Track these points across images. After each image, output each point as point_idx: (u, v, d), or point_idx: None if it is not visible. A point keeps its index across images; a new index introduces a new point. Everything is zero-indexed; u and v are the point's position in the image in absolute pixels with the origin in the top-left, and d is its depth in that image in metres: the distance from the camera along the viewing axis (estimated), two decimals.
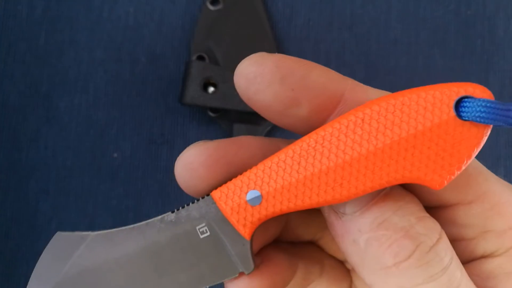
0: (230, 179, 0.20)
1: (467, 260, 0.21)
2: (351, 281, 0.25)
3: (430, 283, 0.18)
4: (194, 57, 0.41)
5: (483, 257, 0.21)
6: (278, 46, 0.42)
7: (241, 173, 0.20)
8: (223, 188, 0.20)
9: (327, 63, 0.42)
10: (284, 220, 0.23)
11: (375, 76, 0.42)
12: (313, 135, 0.18)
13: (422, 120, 0.17)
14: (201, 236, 0.20)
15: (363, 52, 0.42)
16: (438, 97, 0.17)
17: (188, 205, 0.20)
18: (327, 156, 0.18)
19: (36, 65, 0.41)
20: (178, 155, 0.43)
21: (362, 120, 0.18)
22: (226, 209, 0.19)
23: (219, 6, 0.41)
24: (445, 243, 0.19)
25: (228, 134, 0.41)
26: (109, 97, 0.41)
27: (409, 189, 0.20)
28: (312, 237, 0.25)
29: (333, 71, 0.20)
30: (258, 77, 0.19)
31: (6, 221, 0.40)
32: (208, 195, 0.20)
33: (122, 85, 0.41)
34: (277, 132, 0.42)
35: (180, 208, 0.20)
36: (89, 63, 0.41)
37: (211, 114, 0.41)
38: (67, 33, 0.42)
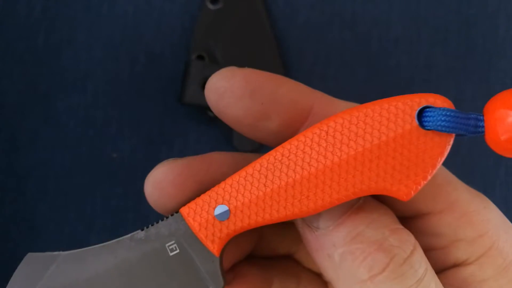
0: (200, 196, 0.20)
1: (440, 270, 0.21)
2: None
3: None
4: (193, 57, 0.40)
5: (455, 265, 0.21)
6: (278, 45, 0.41)
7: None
8: (192, 204, 0.20)
9: (327, 63, 0.42)
10: (257, 235, 0.23)
11: (376, 75, 0.42)
12: (279, 149, 0.19)
13: (386, 131, 0.18)
14: (171, 254, 0.20)
15: (363, 51, 0.42)
16: (401, 108, 0.18)
17: (157, 222, 0.20)
18: (293, 169, 0.18)
19: (34, 65, 0.41)
20: (177, 155, 0.43)
21: (326, 132, 0.18)
22: (195, 225, 0.19)
23: (219, 5, 0.41)
24: (419, 254, 0.19)
25: (228, 133, 0.41)
26: (108, 96, 0.41)
27: (382, 201, 0.20)
28: (287, 250, 0.25)
29: (303, 85, 0.20)
30: (228, 91, 0.19)
31: (4, 222, 0.40)
32: (177, 212, 0.20)
33: (121, 84, 0.41)
34: None
35: (150, 225, 0.20)
36: (88, 62, 0.41)
37: (210, 114, 0.40)
38: (66, 32, 0.41)
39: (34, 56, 0.41)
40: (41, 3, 0.42)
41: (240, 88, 0.19)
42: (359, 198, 0.19)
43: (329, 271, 0.19)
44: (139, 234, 0.20)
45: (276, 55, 0.41)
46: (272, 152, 0.19)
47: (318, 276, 0.25)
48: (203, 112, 0.41)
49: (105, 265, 0.20)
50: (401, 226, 0.19)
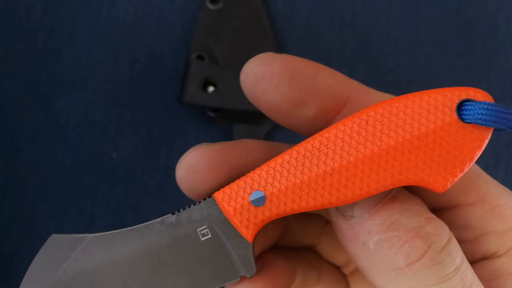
0: (232, 182, 0.20)
1: (469, 262, 0.21)
2: (347, 287, 0.25)
3: (443, 283, 0.18)
4: (193, 57, 0.40)
5: (485, 258, 0.21)
6: (278, 45, 0.41)
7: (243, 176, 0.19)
8: (226, 189, 0.19)
9: (327, 63, 0.41)
10: (283, 224, 0.23)
11: (376, 75, 0.42)
12: (317, 137, 0.19)
13: (425, 123, 0.18)
14: (202, 239, 0.20)
15: (364, 51, 0.42)
16: (441, 100, 0.18)
17: (189, 207, 0.20)
18: (332, 157, 0.18)
19: (34, 65, 0.41)
20: (177, 155, 0.43)
21: (366, 122, 0.18)
22: (229, 210, 0.19)
23: (219, 5, 0.41)
24: (455, 243, 0.19)
25: (228, 134, 0.41)
26: (108, 96, 0.41)
27: (412, 192, 0.20)
28: (309, 242, 0.25)
29: (340, 73, 0.20)
30: (267, 77, 0.19)
31: (4, 222, 0.40)
32: (210, 197, 0.20)
33: (121, 84, 0.41)
34: (277, 133, 0.41)
35: (181, 210, 0.20)
36: (88, 62, 0.41)
37: (210, 113, 0.40)
38: (66, 32, 0.41)
39: (34, 56, 0.41)
40: (41, 3, 0.42)
41: (279, 73, 0.19)
42: (392, 188, 0.19)
43: (363, 259, 0.19)
44: (169, 218, 0.20)
45: None
46: (310, 139, 0.19)
47: (337, 269, 0.25)
48: (203, 112, 0.41)
49: (133, 249, 0.20)
50: (434, 216, 0.19)
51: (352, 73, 0.41)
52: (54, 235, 0.21)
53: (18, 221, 0.40)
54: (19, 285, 0.41)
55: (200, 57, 0.40)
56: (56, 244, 0.21)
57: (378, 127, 0.18)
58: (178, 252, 0.20)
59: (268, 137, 0.41)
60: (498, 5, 0.43)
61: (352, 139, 0.18)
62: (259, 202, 0.19)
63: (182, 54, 0.41)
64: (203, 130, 0.41)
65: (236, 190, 0.19)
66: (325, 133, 0.18)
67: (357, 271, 0.25)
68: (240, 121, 0.40)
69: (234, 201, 0.19)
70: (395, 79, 0.41)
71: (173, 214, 0.20)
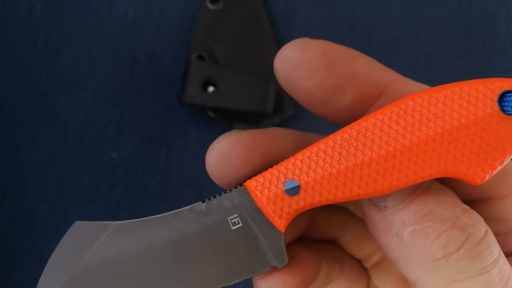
0: (263, 171, 0.19)
1: None
2: (368, 280, 0.25)
3: (482, 275, 0.17)
4: (193, 57, 0.40)
5: None
6: (278, 45, 0.41)
7: (274, 165, 0.19)
8: (259, 177, 0.19)
9: None
10: (309, 216, 0.23)
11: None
12: (354, 126, 0.18)
13: (465, 114, 0.17)
14: (233, 228, 0.19)
15: (364, 51, 0.42)
16: (482, 91, 0.17)
17: (219, 195, 0.20)
18: (369, 147, 0.18)
19: (34, 65, 0.41)
20: (177, 155, 0.43)
21: (405, 112, 0.18)
22: (262, 198, 0.19)
23: (219, 5, 0.41)
24: (492, 235, 0.18)
25: None
26: (108, 96, 0.41)
27: (443, 183, 0.20)
28: (333, 235, 0.24)
29: (377, 61, 0.20)
30: (303, 62, 0.19)
31: (4, 222, 0.40)
32: (241, 185, 0.19)
33: (121, 84, 0.41)
34: None
35: (211, 198, 0.20)
36: (88, 62, 0.41)
37: (210, 113, 0.40)
38: (66, 32, 0.41)
39: (34, 56, 0.41)
40: (41, 3, 0.42)
41: (316, 59, 0.19)
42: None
43: (396, 250, 0.19)
44: (199, 206, 0.20)
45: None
46: (346, 128, 0.18)
47: (359, 263, 0.25)
48: (203, 112, 0.41)
49: (160, 237, 0.19)
50: (469, 208, 0.19)
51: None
52: (77, 222, 0.20)
53: (18, 221, 0.40)
54: (19, 285, 0.41)
55: (200, 57, 0.40)
56: (80, 231, 0.20)
57: (417, 117, 0.18)
58: (207, 241, 0.19)
59: None
60: (498, 5, 0.43)
61: (391, 128, 0.18)
62: (294, 191, 0.18)
63: (182, 54, 0.41)
64: (203, 130, 0.41)
65: (269, 179, 0.19)
66: (362, 122, 0.18)
67: (378, 264, 0.25)
68: (240, 121, 0.40)
69: (267, 190, 0.19)
70: None
71: (203, 202, 0.20)
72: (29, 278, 0.40)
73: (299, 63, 0.19)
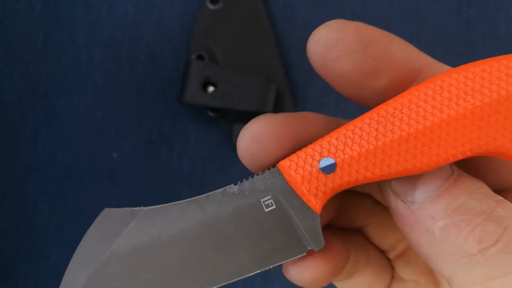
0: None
1: None
2: (393, 271, 0.24)
3: None
4: (193, 57, 0.40)
5: None
6: (278, 45, 0.41)
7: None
8: (293, 157, 0.19)
9: None
10: (338, 203, 0.22)
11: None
12: (390, 103, 0.18)
13: (505, 86, 0.17)
14: (266, 210, 0.19)
15: None
16: None
17: (252, 177, 0.19)
18: (407, 122, 0.17)
19: (34, 65, 0.41)
20: (177, 155, 0.43)
21: (441, 87, 0.17)
22: (296, 178, 0.18)
23: (219, 5, 0.41)
24: None
25: (228, 134, 0.41)
26: (108, 96, 0.41)
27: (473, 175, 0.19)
28: (359, 224, 0.24)
29: (412, 45, 0.19)
30: (340, 44, 0.18)
31: (4, 222, 0.40)
32: (274, 166, 0.19)
33: (121, 84, 0.41)
34: None
35: (244, 180, 0.19)
36: (88, 62, 0.41)
37: (210, 113, 0.40)
38: (66, 32, 0.41)
39: (34, 56, 0.41)
40: (41, 3, 0.42)
41: (353, 41, 0.18)
42: (453, 171, 0.18)
43: (427, 246, 0.18)
44: (232, 188, 0.19)
45: (276, 55, 0.41)
46: (383, 105, 0.18)
47: (383, 254, 0.24)
48: (203, 112, 0.41)
49: (192, 221, 0.19)
50: (503, 198, 0.18)
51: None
52: (106, 209, 0.20)
53: (18, 221, 0.40)
54: (19, 285, 0.41)
55: (200, 57, 0.40)
56: (109, 218, 0.20)
57: (453, 92, 0.17)
58: (241, 225, 0.19)
59: None
60: (498, 5, 0.42)
61: (427, 104, 0.17)
62: (330, 169, 0.18)
63: (182, 54, 0.41)
64: (203, 130, 0.41)
65: (304, 158, 0.18)
66: (398, 99, 0.18)
67: (403, 255, 0.24)
68: (240, 121, 0.40)
69: (302, 169, 0.18)
70: None
71: (235, 184, 0.19)
72: (29, 278, 0.40)
73: (335, 45, 0.18)
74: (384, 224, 0.24)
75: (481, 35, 0.42)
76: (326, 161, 0.18)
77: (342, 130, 0.18)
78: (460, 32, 0.42)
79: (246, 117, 0.40)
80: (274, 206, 0.19)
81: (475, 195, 0.18)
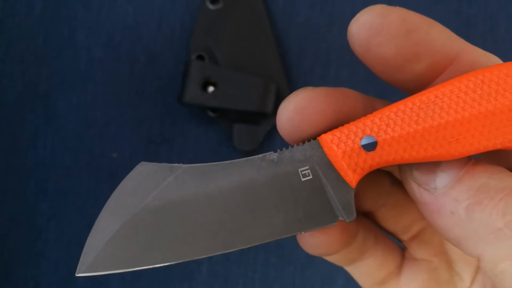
0: (334, 127, 0.19)
1: None
2: (403, 252, 0.25)
3: None
4: (193, 57, 0.40)
5: None
6: (278, 45, 0.41)
7: (344, 123, 0.19)
8: (336, 131, 0.19)
9: (327, 63, 0.42)
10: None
11: (376, 75, 0.42)
12: (433, 91, 0.19)
13: None
14: (303, 179, 0.20)
15: None
16: None
17: (292, 147, 0.20)
18: (446, 111, 0.18)
19: (34, 65, 0.41)
20: (177, 155, 0.43)
21: (482, 81, 0.18)
22: (337, 152, 0.19)
23: (219, 5, 0.41)
24: None
25: (228, 134, 0.41)
26: (108, 96, 0.41)
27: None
28: (370, 207, 0.25)
29: (449, 30, 0.20)
30: (384, 29, 0.19)
31: (4, 222, 0.40)
32: (314, 139, 0.20)
33: (121, 84, 0.41)
34: (277, 132, 0.41)
35: (284, 148, 0.20)
36: (87, 62, 0.41)
37: (210, 114, 0.40)
38: (66, 32, 0.41)
39: (34, 56, 0.41)
40: (41, 3, 0.42)
41: (397, 26, 0.19)
42: (470, 158, 0.19)
43: (455, 229, 0.18)
44: (271, 155, 0.20)
45: (276, 55, 0.41)
46: (425, 92, 0.19)
47: (390, 239, 0.25)
48: (203, 112, 0.41)
49: (229, 183, 0.19)
50: None
51: (352, 73, 0.41)
52: (142, 163, 0.20)
53: (18, 221, 0.40)
54: (19, 285, 0.41)
55: (200, 57, 0.40)
56: (146, 172, 0.20)
57: (493, 87, 0.18)
58: (277, 190, 0.19)
59: (268, 137, 0.41)
60: (498, 5, 0.43)
61: (467, 95, 0.18)
62: (371, 147, 0.19)
63: (182, 54, 0.41)
64: (203, 130, 0.41)
65: (346, 134, 0.19)
66: (440, 88, 0.19)
67: (417, 236, 0.25)
68: (240, 121, 0.40)
69: (344, 144, 0.19)
70: None
71: (275, 152, 0.20)
72: (29, 278, 0.40)
73: (380, 29, 0.19)
74: (401, 204, 0.24)
75: (481, 35, 0.42)
76: (368, 139, 0.19)
77: (385, 111, 0.19)
78: (460, 32, 0.42)
79: (246, 117, 0.40)
80: (310, 176, 0.20)
81: (495, 175, 0.18)
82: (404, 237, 0.25)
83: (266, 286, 0.40)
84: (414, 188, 0.20)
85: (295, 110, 0.19)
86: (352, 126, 0.19)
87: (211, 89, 0.39)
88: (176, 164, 0.20)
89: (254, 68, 0.41)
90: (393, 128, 0.19)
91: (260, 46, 0.41)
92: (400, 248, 0.25)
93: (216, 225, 0.19)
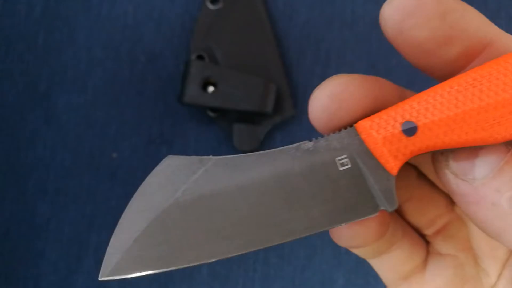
0: (371, 115, 0.19)
1: None
2: (428, 247, 0.25)
3: None
4: (193, 57, 0.40)
5: None
6: (278, 45, 0.41)
7: (379, 110, 0.19)
8: (374, 117, 0.19)
9: (327, 63, 0.42)
10: None
11: (376, 75, 0.42)
12: (470, 74, 0.18)
13: None
14: (341, 168, 0.19)
15: (364, 51, 0.42)
16: None
17: (327, 135, 0.19)
18: (487, 94, 0.18)
19: (34, 64, 0.41)
20: (177, 155, 0.43)
21: None
22: (378, 138, 0.18)
23: (219, 5, 0.41)
24: None
25: (228, 134, 0.41)
26: (108, 96, 0.41)
27: None
28: (401, 198, 0.24)
29: (483, 15, 0.19)
30: (419, 11, 0.18)
31: (4, 221, 0.40)
32: (351, 126, 0.19)
33: (121, 84, 0.41)
34: (277, 133, 0.41)
35: (318, 137, 0.19)
36: (88, 62, 0.41)
37: (210, 114, 0.40)
38: (66, 32, 0.41)
39: (34, 56, 0.41)
40: (41, 3, 0.42)
41: (432, 8, 0.18)
42: (509, 148, 0.19)
43: (496, 221, 0.18)
44: (306, 144, 0.19)
45: (276, 55, 0.41)
46: (462, 75, 0.18)
47: (415, 233, 0.25)
48: (203, 112, 0.41)
49: (263, 174, 0.18)
50: None
51: (352, 73, 0.41)
52: (170, 156, 0.19)
53: (18, 221, 0.40)
54: (19, 285, 0.41)
55: (200, 57, 0.40)
56: (173, 166, 0.19)
57: None
58: (314, 181, 0.18)
59: (268, 137, 0.41)
60: (498, 5, 0.42)
61: (507, 77, 0.18)
62: (411, 132, 0.18)
63: (182, 54, 0.41)
64: (203, 130, 0.41)
65: (385, 119, 0.18)
66: (478, 71, 0.18)
67: (442, 230, 0.25)
68: (240, 121, 0.40)
69: (384, 130, 0.18)
70: (395, 79, 0.41)
71: (309, 141, 0.19)
72: (29, 278, 0.40)
73: (414, 11, 0.18)
74: (427, 197, 0.24)
75: None
76: (408, 124, 0.18)
77: (423, 96, 0.18)
78: None
79: (246, 117, 0.40)
80: (349, 165, 0.19)
81: None
82: (429, 231, 0.25)
83: (266, 286, 0.40)
84: (451, 179, 0.19)
85: (331, 97, 0.18)
86: (390, 111, 0.18)
87: (211, 89, 0.39)
88: (206, 156, 0.19)
89: (254, 68, 0.41)
90: (433, 112, 0.18)
91: (260, 46, 0.41)
92: (424, 243, 0.25)
93: (251, 220, 0.18)
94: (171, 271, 0.18)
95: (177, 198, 0.18)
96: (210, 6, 0.41)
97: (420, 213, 0.24)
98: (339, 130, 0.19)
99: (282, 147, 0.19)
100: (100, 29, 0.41)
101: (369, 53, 0.42)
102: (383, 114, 0.19)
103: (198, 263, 0.18)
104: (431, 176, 0.24)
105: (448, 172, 0.19)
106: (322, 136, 0.19)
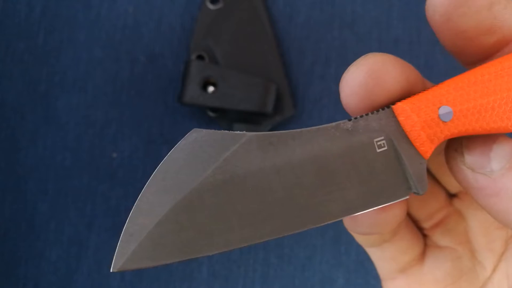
0: (403, 97, 0.19)
1: None
2: (425, 240, 0.25)
3: None
4: (193, 57, 0.40)
5: None
6: (278, 45, 0.41)
7: (411, 93, 0.19)
8: (413, 99, 0.18)
9: (327, 62, 0.42)
10: None
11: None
12: (503, 61, 0.18)
13: None
14: (378, 150, 0.18)
15: (364, 51, 0.42)
16: None
17: (366, 115, 0.19)
18: None
19: (34, 65, 0.41)
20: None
21: None
22: (415, 121, 0.18)
23: (219, 5, 0.41)
24: None
25: None
26: (108, 96, 0.41)
27: None
28: None
29: None
30: (470, 1, 0.18)
31: (4, 222, 0.40)
32: (388, 107, 0.18)
33: (121, 84, 0.41)
34: None
35: (358, 117, 0.18)
36: (87, 62, 0.41)
37: (210, 114, 0.40)
38: (66, 32, 0.41)
39: (34, 56, 0.41)
40: (41, 3, 0.42)
41: None
42: None
43: None
44: (346, 124, 0.18)
45: (276, 55, 0.41)
46: (494, 63, 0.18)
47: (413, 225, 0.25)
48: (203, 112, 0.41)
49: (300, 153, 0.18)
50: None
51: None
52: (196, 129, 0.18)
53: (18, 221, 0.40)
54: (19, 285, 0.41)
55: (200, 57, 0.40)
56: (201, 141, 0.17)
57: None
58: (351, 162, 0.18)
59: None
60: None
61: None
62: (447, 117, 0.18)
63: (182, 54, 0.41)
64: None
65: (424, 102, 0.18)
66: (510, 58, 0.18)
67: (441, 223, 0.25)
68: (240, 121, 0.40)
69: (423, 113, 0.18)
70: None
71: (349, 120, 0.18)
72: (29, 278, 0.40)
73: (465, 1, 0.18)
74: (428, 191, 0.24)
75: None
76: (445, 109, 0.18)
77: (457, 82, 0.18)
78: None
79: (246, 117, 0.40)
80: (385, 147, 0.18)
81: None
82: (427, 224, 0.25)
83: (266, 286, 0.40)
84: (468, 175, 0.19)
85: (369, 74, 0.18)
86: (428, 95, 0.18)
87: (211, 89, 0.39)
88: (239, 132, 0.18)
89: (254, 68, 0.41)
90: (467, 99, 0.18)
91: (260, 46, 0.41)
92: (421, 236, 0.25)
93: (286, 202, 0.17)
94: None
95: (208, 177, 0.17)
96: (210, 6, 0.41)
97: (420, 206, 0.25)
98: (376, 110, 0.18)
99: (321, 126, 0.18)
100: (100, 29, 0.41)
101: (369, 53, 0.42)
102: (421, 97, 0.18)
103: (228, 249, 0.17)
104: (432, 169, 0.24)
105: (465, 167, 0.19)
106: (350, 119, 0.19)
